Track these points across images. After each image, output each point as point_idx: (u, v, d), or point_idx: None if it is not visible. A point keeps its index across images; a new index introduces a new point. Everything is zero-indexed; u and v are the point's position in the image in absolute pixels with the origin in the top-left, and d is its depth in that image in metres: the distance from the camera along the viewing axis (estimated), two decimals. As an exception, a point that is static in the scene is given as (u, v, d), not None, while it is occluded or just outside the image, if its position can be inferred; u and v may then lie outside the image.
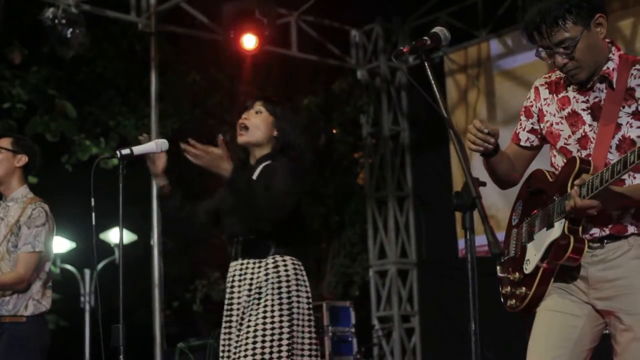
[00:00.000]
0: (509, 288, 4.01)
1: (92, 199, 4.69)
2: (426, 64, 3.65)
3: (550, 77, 4.09)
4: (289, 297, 4.76)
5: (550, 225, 3.83)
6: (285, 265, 4.82)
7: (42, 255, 5.89)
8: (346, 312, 8.64)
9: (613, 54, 3.86)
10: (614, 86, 3.82)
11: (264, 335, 4.68)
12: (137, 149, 4.88)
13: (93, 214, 4.69)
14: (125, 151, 4.81)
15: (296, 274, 4.83)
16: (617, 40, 9.84)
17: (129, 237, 16.89)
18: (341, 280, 14.61)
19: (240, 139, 5.01)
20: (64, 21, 9.58)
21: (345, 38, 12.74)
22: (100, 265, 17.24)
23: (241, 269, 4.89)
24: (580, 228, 3.76)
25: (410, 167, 12.61)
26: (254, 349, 4.66)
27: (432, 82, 3.57)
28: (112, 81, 14.25)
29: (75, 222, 14.25)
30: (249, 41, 10.44)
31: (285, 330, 4.70)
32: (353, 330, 8.59)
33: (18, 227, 5.89)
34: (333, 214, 14.99)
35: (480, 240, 3.46)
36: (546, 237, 3.84)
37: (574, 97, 3.93)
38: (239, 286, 4.87)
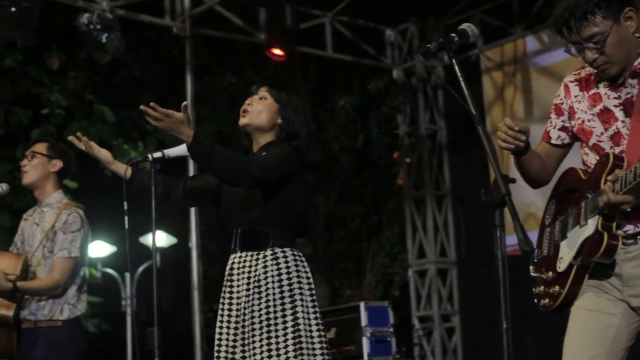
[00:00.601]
0: (542, 287, 3.97)
1: (125, 203, 4.70)
2: (454, 61, 3.63)
3: (579, 73, 4.04)
4: (290, 290, 4.60)
5: (583, 223, 3.79)
6: (285, 257, 4.66)
7: (77, 260, 5.92)
8: (384, 312, 8.59)
9: None
10: None
11: (268, 332, 4.54)
12: (169, 152, 4.87)
13: (126, 218, 4.71)
14: (157, 154, 4.80)
15: (297, 266, 4.68)
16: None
17: (169, 240, 16.95)
18: (381, 280, 14.60)
19: (240, 121, 4.84)
20: (99, 26, 9.63)
21: (380, 38, 12.70)
22: (140, 269, 17.30)
23: (239, 262, 4.73)
24: (614, 224, 3.71)
25: (448, 166, 12.55)
26: (260, 346, 4.52)
27: (460, 79, 3.54)
28: (149, 85, 14.35)
29: (116, 227, 14.31)
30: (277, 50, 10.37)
31: (290, 324, 4.54)
32: (391, 330, 8.55)
33: (54, 232, 5.91)
34: (372, 214, 14.99)
35: (512, 240, 3.43)
36: (579, 234, 3.80)
37: (605, 93, 3.88)
38: (238, 280, 4.71)
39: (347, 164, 14.48)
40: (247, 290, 4.65)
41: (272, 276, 4.62)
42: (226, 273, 4.80)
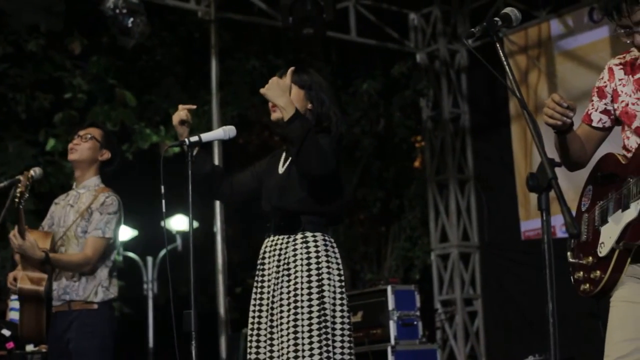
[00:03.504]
0: (582, 273, 3.96)
1: (162, 187, 4.69)
2: (498, 45, 3.63)
3: (624, 57, 4.03)
4: (319, 274, 4.61)
5: (626, 207, 3.78)
6: (316, 241, 4.68)
7: (110, 242, 5.96)
8: (411, 295, 8.60)
9: None
10: None
11: (295, 314, 4.55)
12: (205, 136, 4.85)
13: (163, 202, 4.68)
14: (194, 139, 4.79)
15: (327, 250, 4.68)
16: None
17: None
18: (402, 264, 14.61)
19: (273, 116, 4.82)
20: (124, 11, 9.63)
21: (404, 22, 12.68)
22: (162, 253, 17.39)
23: (271, 246, 4.78)
24: None
25: (471, 150, 12.53)
26: (287, 328, 4.54)
27: (506, 64, 3.54)
28: (171, 69, 14.36)
29: (137, 210, 14.36)
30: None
31: (315, 308, 4.55)
32: (418, 313, 8.56)
33: (90, 212, 5.95)
34: (393, 197, 14.99)
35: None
36: (622, 218, 3.78)
37: None
38: (269, 262, 4.75)
39: (369, 148, 14.46)
40: (277, 272, 4.70)
41: (302, 259, 4.65)
42: (259, 257, 4.84)
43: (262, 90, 4.70)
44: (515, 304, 11.53)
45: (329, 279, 4.64)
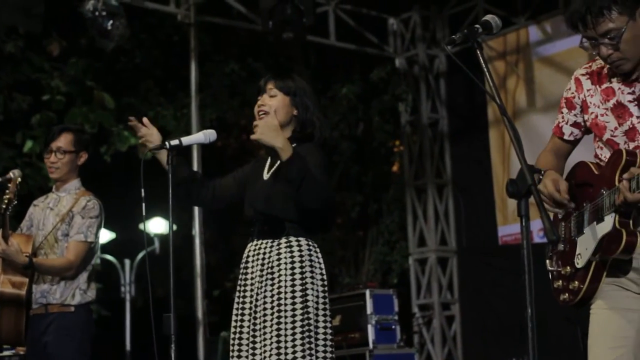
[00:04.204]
0: (561, 282, 3.98)
1: (142, 190, 4.69)
2: (479, 52, 3.64)
3: (590, 66, 4.06)
4: (302, 278, 4.62)
5: (600, 219, 3.81)
6: (300, 246, 4.69)
7: (92, 246, 5.96)
8: (389, 299, 8.62)
9: None
10: None
11: (279, 317, 4.56)
12: (186, 140, 4.87)
13: (143, 205, 4.70)
14: (174, 142, 4.79)
15: (310, 255, 4.70)
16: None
17: (168, 226, 16.96)
18: (380, 268, 14.62)
19: (254, 136, 4.75)
20: (104, 13, 9.60)
21: (383, 26, 12.71)
22: (140, 256, 17.36)
23: (255, 250, 4.78)
24: (631, 222, 3.72)
25: (449, 155, 12.57)
26: (271, 332, 4.55)
27: (486, 70, 3.56)
28: (150, 72, 14.33)
29: (115, 213, 14.34)
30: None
31: (299, 312, 4.56)
32: (396, 318, 8.58)
33: (71, 216, 5.96)
34: (371, 202, 15.00)
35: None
36: (597, 231, 3.81)
37: (619, 88, 3.90)
38: (252, 267, 4.76)
39: (347, 152, 14.49)
40: (261, 276, 4.70)
41: (285, 263, 4.66)
42: (242, 261, 4.85)
43: (254, 137, 4.65)
44: (492, 308, 11.57)
45: (312, 283, 4.65)
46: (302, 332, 4.55)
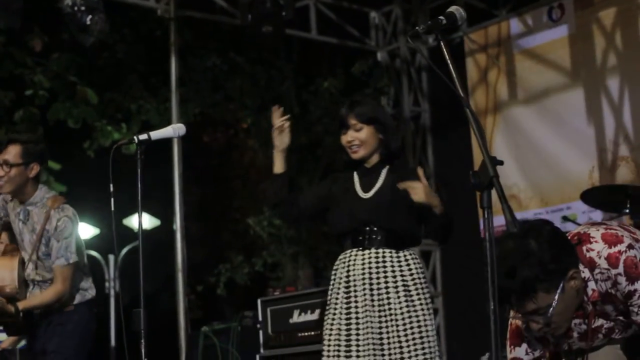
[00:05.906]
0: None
1: (111, 185, 4.72)
2: (442, 44, 3.63)
3: None
4: (427, 292, 5.13)
5: None
6: (416, 260, 5.22)
7: (76, 263, 5.85)
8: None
9: (587, 288, 3.70)
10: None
11: (413, 334, 5.02)
12: (155, 134, 4.90)
13: (112, 200, 4.72)
14: (143, 136, 4.83)
15: (422, 267, 5.22)
16: (596, 33, 9.65)
17: (152, 222, 16.96)
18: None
19: (356, 156, 5.16)
20: (83, 8, 9.56)
21: (365, 20, 12.67)
22: (123, 251, 17.32)
23: (377, 258, 5.09)
24: None
25: (432, 148, 12.56)
26: (413, 344, 5.03)
27: (449, 61, 3.55)
28: (133, 66, 14.31)
29: (99, 209, 14.32)
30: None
31: (430, 329, 5.14)
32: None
33: (47, 238, 5.81)
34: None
35: (499, 220, 3.45)
36: None
37: None
38: (380, 276, 5.05)
39: (331, 146, 14.48)
40: (395, 287, 5.07)
41: (418, 274, 5.13)
42: (341, 268, 5.16)
43: (421, 200, 5.09)
44: (475, 301, 11.54)
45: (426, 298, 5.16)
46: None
